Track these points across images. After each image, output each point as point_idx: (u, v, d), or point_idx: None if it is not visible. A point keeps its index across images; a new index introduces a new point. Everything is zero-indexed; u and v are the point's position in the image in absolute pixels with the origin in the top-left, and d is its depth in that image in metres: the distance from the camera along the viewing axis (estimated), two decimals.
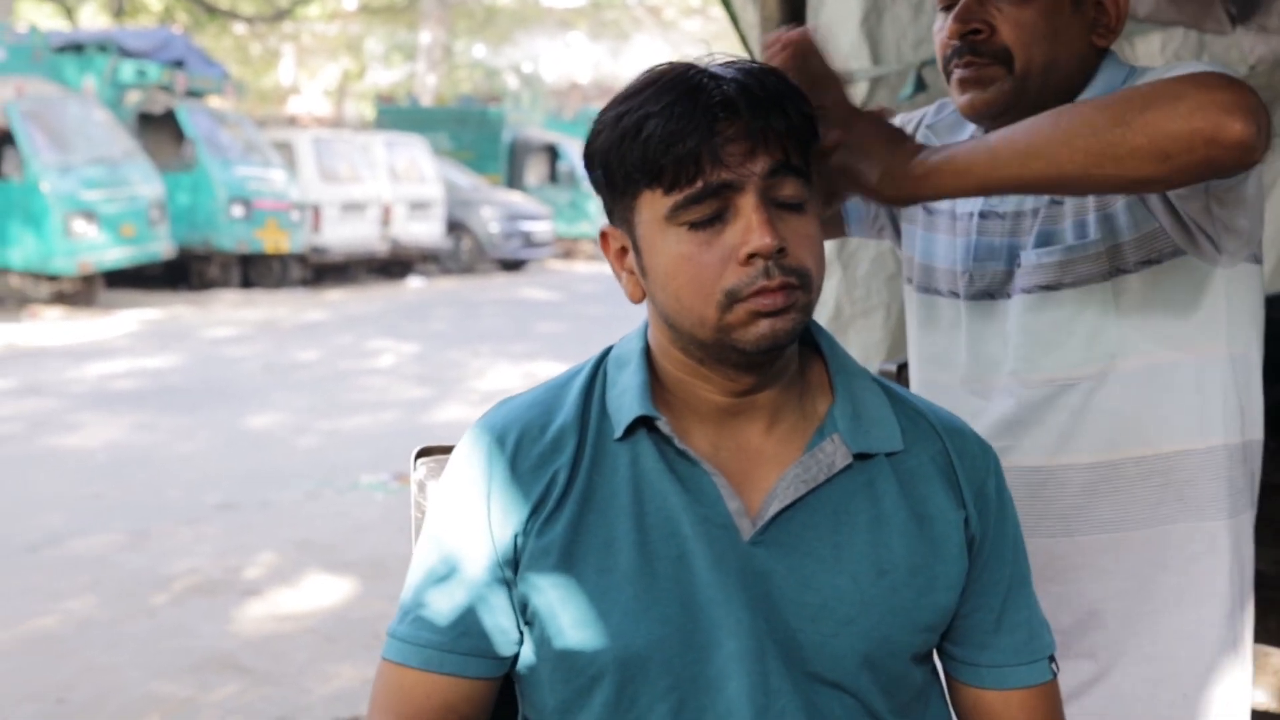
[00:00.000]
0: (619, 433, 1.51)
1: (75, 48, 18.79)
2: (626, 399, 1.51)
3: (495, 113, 25.85)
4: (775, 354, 1.47)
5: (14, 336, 13.37)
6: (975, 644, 1.59)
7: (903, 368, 2.78)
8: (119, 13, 27.15)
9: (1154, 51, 3.70)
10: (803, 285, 1.44)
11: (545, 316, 15.98)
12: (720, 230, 1.42)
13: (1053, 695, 1.62)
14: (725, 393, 1.50)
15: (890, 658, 1.50)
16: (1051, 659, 1.61)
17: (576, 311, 16.42)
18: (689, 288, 1.43)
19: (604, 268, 21.56)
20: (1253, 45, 2.91)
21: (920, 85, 3.70)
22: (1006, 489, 1.62)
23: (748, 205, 1.42)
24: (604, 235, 1.54)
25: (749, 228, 1.41)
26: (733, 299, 1.42)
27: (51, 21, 26.20)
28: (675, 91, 1.42)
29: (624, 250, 1.52)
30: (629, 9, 25.50)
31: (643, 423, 1.50)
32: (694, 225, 1.43)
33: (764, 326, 1.42)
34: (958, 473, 1.57)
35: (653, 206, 1.44)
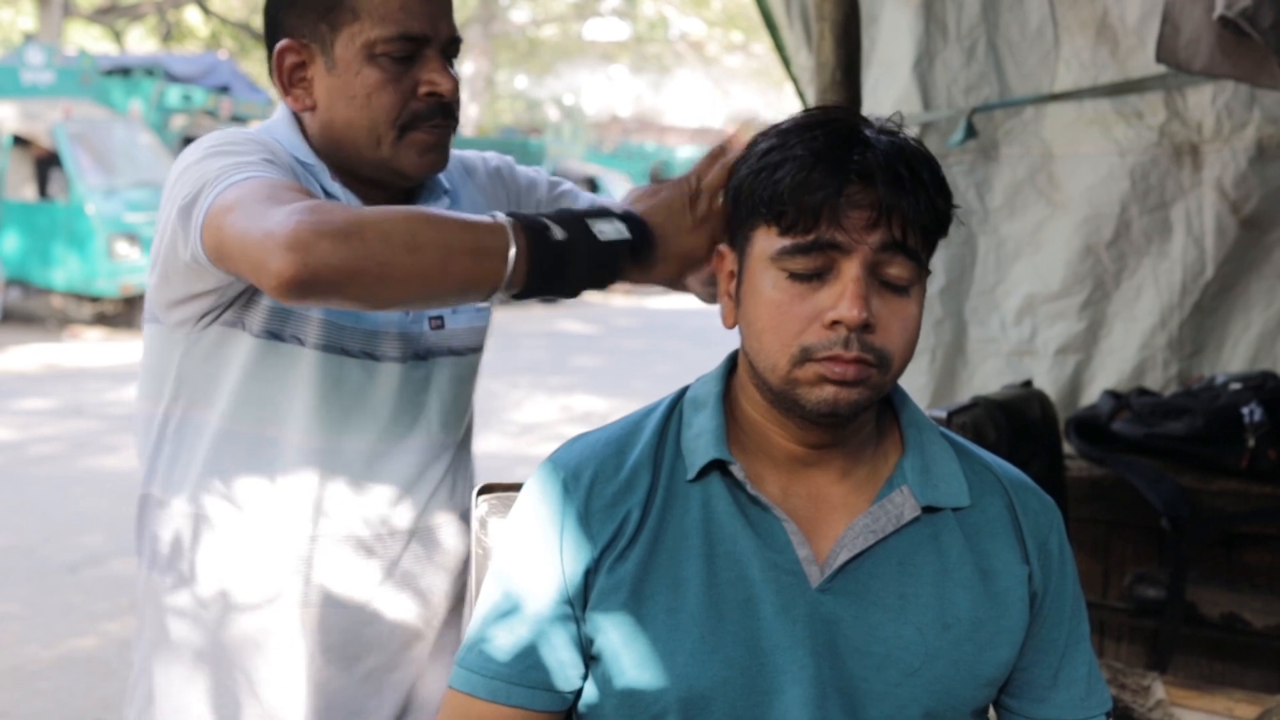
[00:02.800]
0: (692, 474, 1.52)
1: (122, 71, 18.99)
2: (702, 441, 1.53)
3: (536, 144, 25.94)
4: (835, 421, 1.48)
5: (56, 357, 13.47)
6: (1033, 698, 1.59)
7: (953, 414, 2.80)
8: (166, 37, 27.41)
9: (1205, 103, 3.71)
10: (879, 365, 1.44)
11: (582, 350, 15.98)
12: (818, 287, 1.44)
13: None
14: (798, 442, 1.52)
15: (951, 711, 1.51)
16: (1108, 715, 1.61)
17: (614, 345, 16.42)
18: (771, 331, 1.45)
19: (642, 302, 21.59)
20: None
21: (971, 131, 3.72)
22: (1068, 545, 1.62)
23: (849, 272, 1.43)
24: (721, 253, 1.57)
25: (842, 294, 1.42)
26: (806, 356, 1.43)
27: (100, 45, 26.46)
28: (824, 142, 1.45)
29: (731, 275, 1.55)
30: (671, 44, 25.55)
31: (716, 466, 1.52)
32: (794, 275, 1.44)
33: (828, 392, 1.44)
34: (1022, 528, 1.57)
35: (766, 242, 1.47)
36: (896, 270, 1.45)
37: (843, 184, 1.41)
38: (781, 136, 1.48)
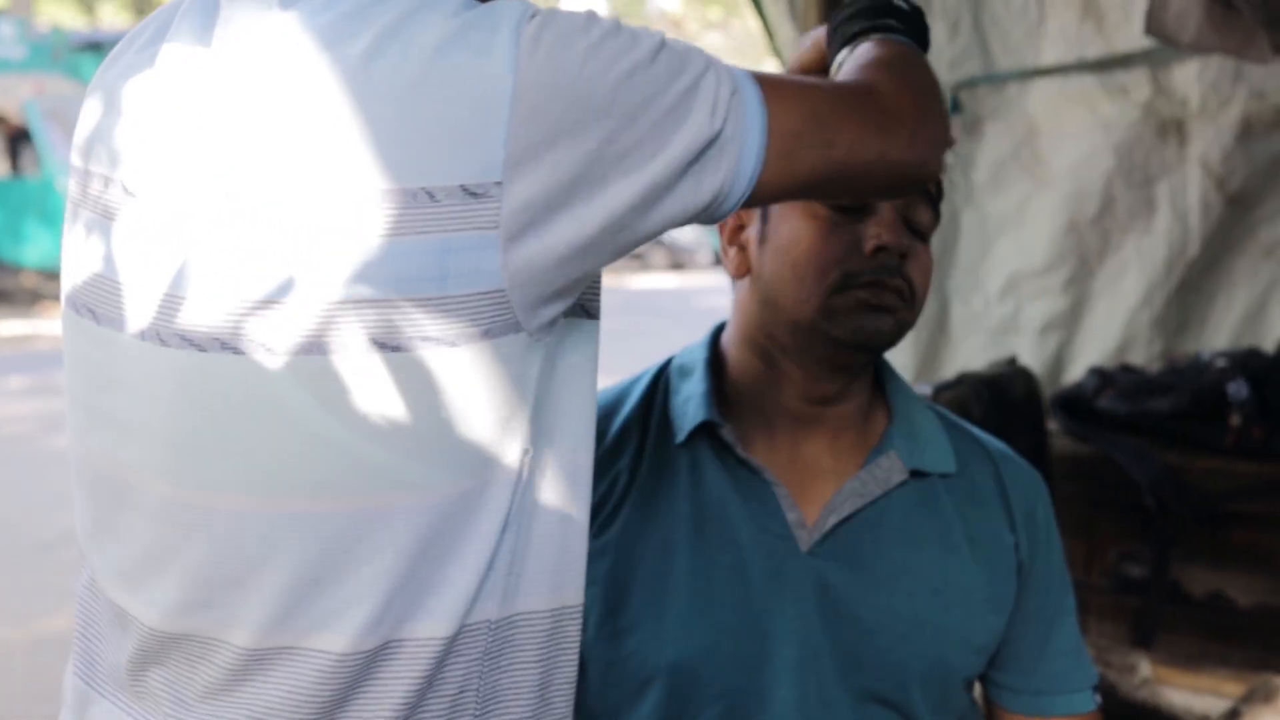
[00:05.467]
0: (682, 437, 1.51)
1: (95, 46, 18.85)
2: (691, 405, 1.52)
3: None
4: (861, 354, 1.49)
5: (28, 334, 13.40)
6: (1021, 669, 1.59)
7: (939, 390, 2.78)
8: (140, 11, 27.24)
9: (1190, 79, 3.69)
10: (908, 300, 1.47)
11: None
12: (857, 221, 1.46)
13: None
14: (803, 395, 1.51)
15: (943, 677, 1.50)
16: (1095, 688, 1.61)
17: None
18: (809, 258, 1.45)
19: (621, 281, 21.60)
20: None
21: (955, 107, 3.69)
22: (1053, 518, 1.61)
23: (888, 208, 1.46)
24: None
25: (885, 224, 1.45)
26: (847, 283, 1.44)
27: (73, 19, 26.30)
28: None
29: (740, 227, 1.53)
30: (648, 20, 25.55)
31: (704, 430, 1.51)
32: (837, 207, 1.46)
33: (866, 319, 1.45)
34: (1009, 497, 1.58)
35: None
36: (920, 215, 1.49)
37: None
38: None
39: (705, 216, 1.16)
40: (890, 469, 1.52)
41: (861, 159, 1.21)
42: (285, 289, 1.03)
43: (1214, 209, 3.76)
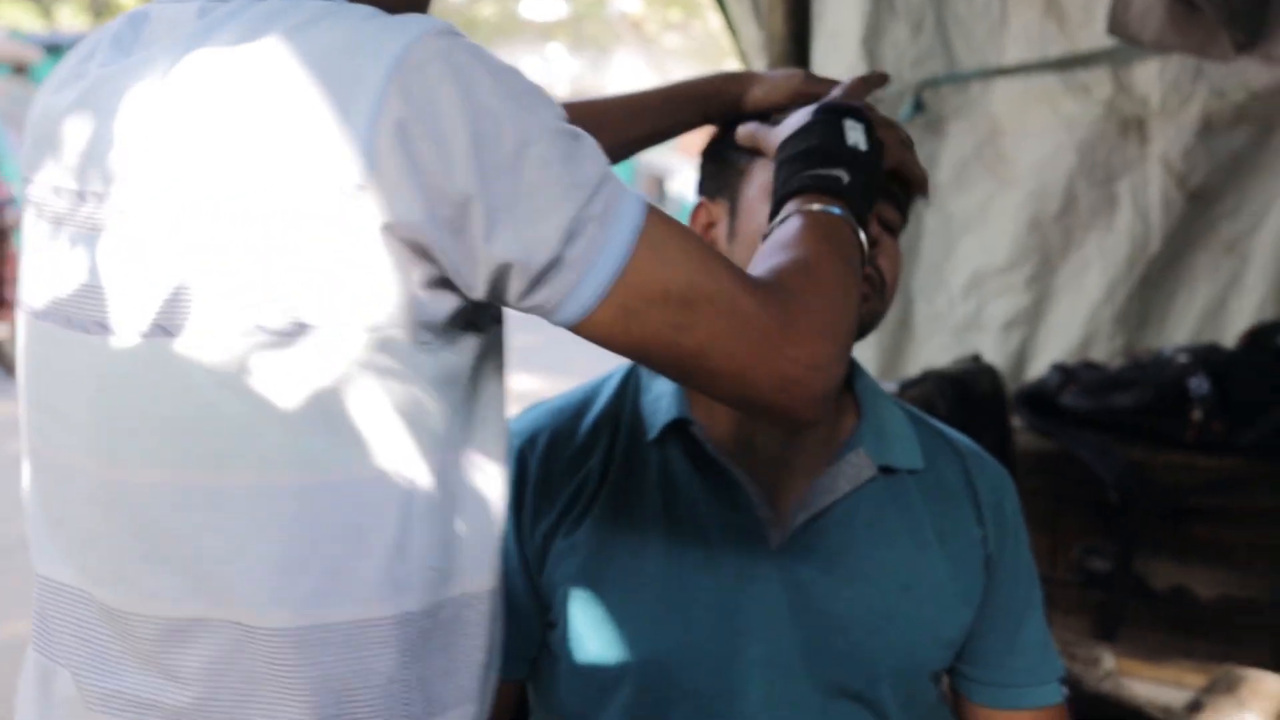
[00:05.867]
0: (653, 434, 1.51)
1: (53, 49, 18.69)
2: (663, 403, 1.52)
3: None
4: None
5: None
6: (990, 663, 1.60)
7: (904, 387, 2.80)
8: (98, 14, 27.06)
9: (1151, 77, 3.72)
10: (878, 291, 1.48)
11: (518, 328, 15.82)
12: None
13: (1063, 717, 1.63)
14: None
15: (912, 672, 1.51)
16: (1063, 681, 1.62)
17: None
18: None
19: None
20: (1256, 73, 2.93)
21: (918, 106, 3.71)
22: (1020, 513, 1.63)
23: None
24: (698, 207, 1.55)
25: None
26: None
27: (31, 23, 26.09)
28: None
29: (711, 225, 1.53)
30: (609, 22, 25.50)
31: (675, 427, 1.51)
32: None
33: None
34: (977, 492, 1.59)
35: (767, 172, 1.45)
36: (887, 213, 1.49)
37: None
38: None
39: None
40: (859, 465, 1.52)
41: (712, 366, 1.13)
42: (186, 278, 1.06)
43: (1175, 206, 3.79)
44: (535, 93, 1.07)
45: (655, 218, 1.10)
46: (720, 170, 1.53)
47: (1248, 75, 3.44)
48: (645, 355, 1.13)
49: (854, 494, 1.51)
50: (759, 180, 1.47)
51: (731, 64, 4.45)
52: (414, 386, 1.11)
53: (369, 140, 1.02)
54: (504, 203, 1.04)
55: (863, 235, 1.29)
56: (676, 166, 24.06)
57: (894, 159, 1.44)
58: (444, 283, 1.09)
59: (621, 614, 1.47)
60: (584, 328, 1.10)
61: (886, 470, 1.54)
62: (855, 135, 1.34)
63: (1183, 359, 3.35)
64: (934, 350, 4.03)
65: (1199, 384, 3.27)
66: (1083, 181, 3.85)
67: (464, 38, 1.07)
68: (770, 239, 1.26)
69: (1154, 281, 3.86)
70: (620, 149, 1.60)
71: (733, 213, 1.50)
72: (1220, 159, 3.72)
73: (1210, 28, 2.73)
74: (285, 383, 1.07)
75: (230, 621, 1.10)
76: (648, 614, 1.46)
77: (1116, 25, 2.83)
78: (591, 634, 1.47)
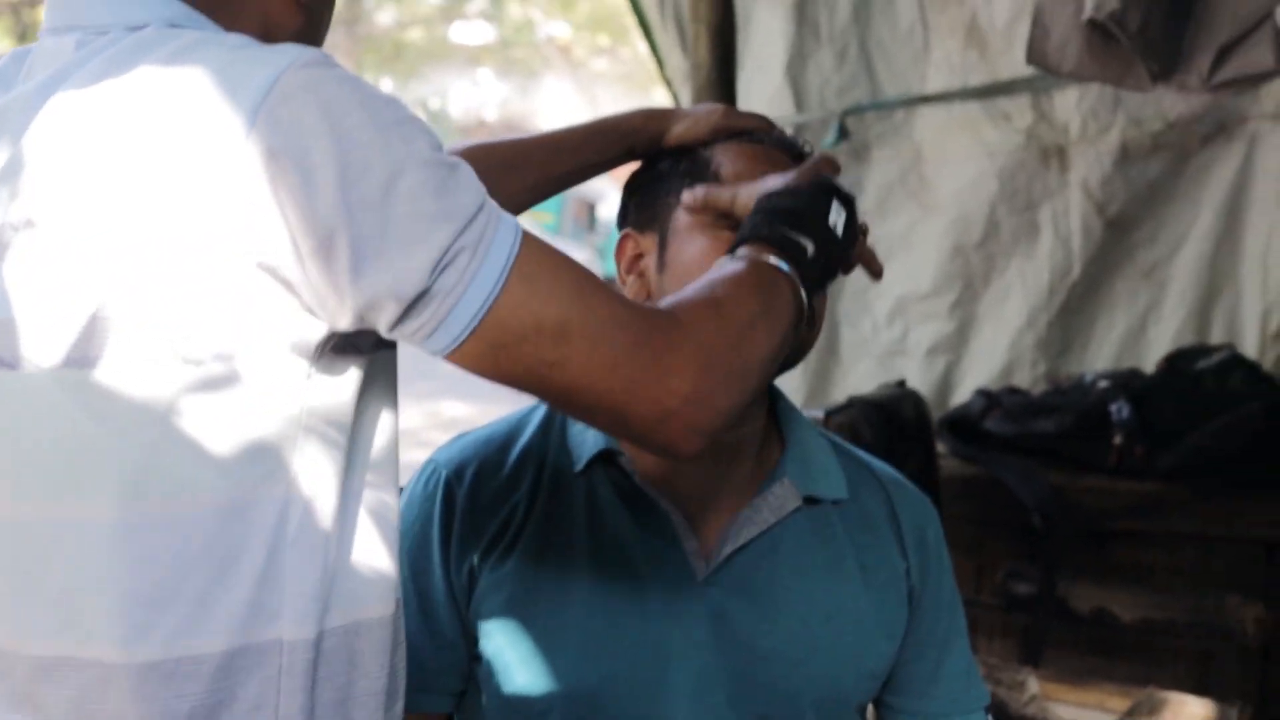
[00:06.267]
0: (580, 466, 1.50)
1: None
2: (590, 433, 1.51)
3: None
4: None
5: None
6: (914, 693, 1.60)
7: (830, 414, 2.81)
8: (23, 37, 26.76)
9: (1070, 106, 3.78)
10: (808, 322, 1.40)
11: None
12: None
13: None
14: None
15: (836, 703, 1.51)
16: (988, 709, 1.63)
17: None
18: None
19: None
20: (1172, 103, 2.98)
21: (843, 133, 3.74)
22: (944, 541, 1.63)
23: None
24: (625, 238, 1.54)
25: None
26: None
27: None
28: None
29: (639, 257, 1.52)
30: (538, 47, 25.51)
31: (602, 458, 1.50)
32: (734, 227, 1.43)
33: None
34: (900, 523, 1.59)
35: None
36: None
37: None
38: None
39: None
40: (784, 496, 1.52)
41: (588, 400, 1.11)
42: (60, 305, 1.04)
43: (1094, 232, 3.84)
44: (409, 123, 1.05)
45: (531, 249, 1.08)
46: (650, 202, 1.53)
47: (1164, 105, 3.50)
48: (520, 386, 1.11)
49: (779, 525, 1.51)
50: (691, 217, 1.47)
51: (659, 91, 4.47)
52: (286, 414, 1.08)
53: (237, 171, 1.01)
54: (371, 236, 1.02)
55: (805, 299, 1.27)
56: (606, 192, 24.06)
57: (860, 253, 1.43)
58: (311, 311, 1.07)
59: (549, 645, 1.46)
60: (454, 358, 1.08)
61: (811, 501, 1.54)
62: (837, 217, 1.34)
63: (1103, 384, 3.40)
64: (860, 376, 4.06)
65: (1119, 409, 3.32)
66: (1004, 208, 3.90)
67: (337, 68, 1.05)
68: (709, 273, 1.25)
69: (1075, 308, 3.91)
70: (544, 186, 1.60)
71: (662, 244, 1.49)
72: (1137, 187, 3.78)
73: (1127, 58, 2.76)
74: (141, 411, 1.04)
75: (94, 661, 1.07)
76: (575, 645, 1.45)
77: (1036, 55, 2.86)
78: (519, 666, 1.46)
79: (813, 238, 1.29)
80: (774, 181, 1.39)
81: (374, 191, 1.02)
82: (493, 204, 1.09)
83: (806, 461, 1.56)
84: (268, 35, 1.13)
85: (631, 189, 1.57)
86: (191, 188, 1.01)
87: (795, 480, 1.53)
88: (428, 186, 1.04)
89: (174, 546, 1.06)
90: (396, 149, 1.03)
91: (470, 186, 1.07)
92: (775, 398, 1.60)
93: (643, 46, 4.00)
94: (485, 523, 1.49)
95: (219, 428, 1.06)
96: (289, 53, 1.05)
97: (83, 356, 1.04)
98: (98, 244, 1.03)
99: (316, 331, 1.08)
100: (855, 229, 1.37)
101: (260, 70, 1.03)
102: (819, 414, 2.79)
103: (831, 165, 1.44)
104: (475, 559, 1.48)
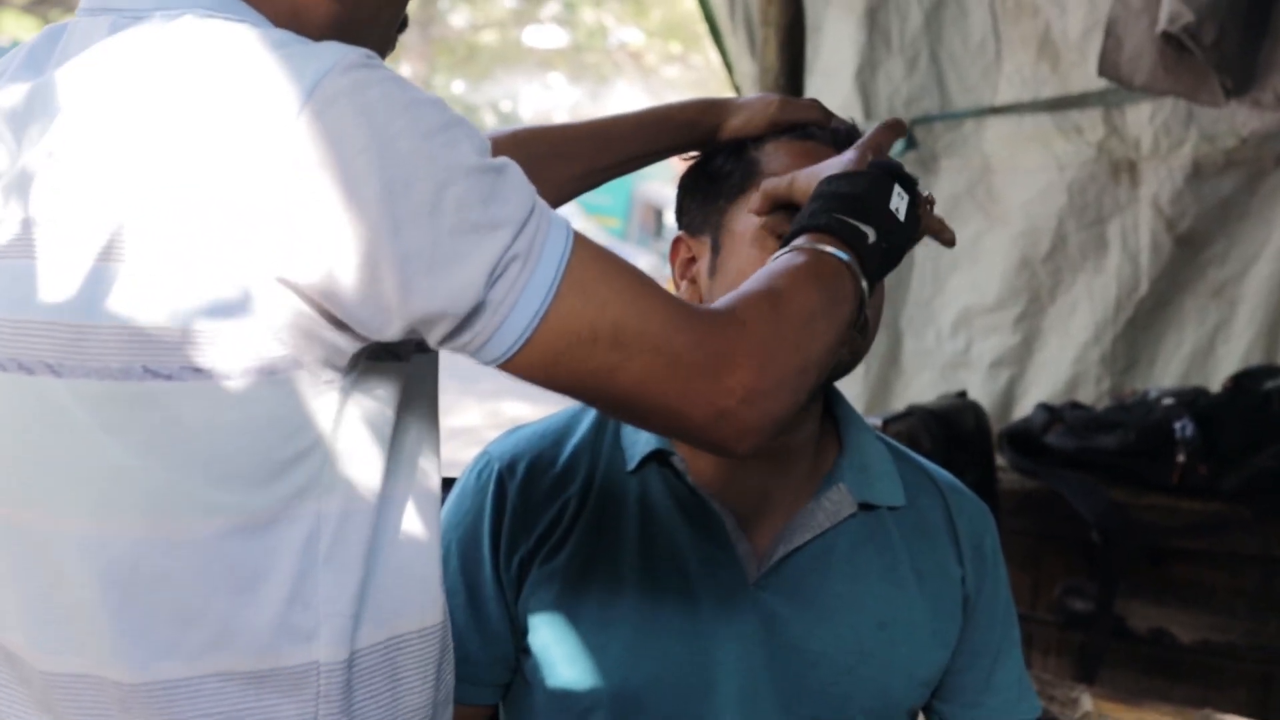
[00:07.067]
0: (632, 465, 1.50)
1: None
2: (643, 432, 1.50)
3: None
4: None
5: None
6: (965, 702, 1.59)
7: (889, 422, 2.80)
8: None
9: (1143, 120, 3.74)
10: (860, 329, 1.39)
11: None
12: None
13: None
14: None
15: (887, 710, 1.50)
16: None
17: None
18: None
19: None
20: (1246, 119, 2.95)
21: (911, 143, 3.73)
22: (1000, 550, 1.62)
23: None
24: (677, 242, 1.53)
25: None
26: None
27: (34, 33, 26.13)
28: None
29: (692, 260, 1.51)
30: (610, 53, 25.55)
31: (655, 458, 1.50)
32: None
33: None
34: (957, 530, 1.57)
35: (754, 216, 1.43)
36: None
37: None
38: None
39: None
40: (839, 502, 1.51)
41: (644, 405, 1.08)
42: (74, 313, 1.00)
43: (1164, 249, 3.80)
44: (454, 126, 1.01)
45: (584, 253, 1.05)
46: (701, 206, 1.51)
47: (1238, 121, 3.46)
48: (574, 393, 1.09)
49: (833, 530, 1.50)
50: (745, 221, 1.45)
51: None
52: (318, 428, 1.04)
53: (271, 181, 0.96)
54: (420, 253, 0.98)
55: (865, 288, 1.25)
56: (674, 198, 24.02)
57: (928, 224, 1.39)
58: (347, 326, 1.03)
59: (596, 643, 1.46)
60: (509, 368, 1.05)
61: (866, 506, 1.52)
62: (899, 202, 1.30)
63: (1168, 402, 3.36)
64: (921, 386, 4.04)
65: (1184, 427, 3.28)
66: (1073, 222, 3.86)
67: (380, 69, 1.00)
68: (767, 266, 1.23)
69: (1141, 324, 3.87)
70: (590, 176, 1.58)
71: (715, 249, 1.48)
72: (1209, 204, 3.74)
73: (1201, 72, 2.74)
74: (162, 427, 1.00)
75: (110, 681, 1.04)
76: (622, 643, 1.45)
77: (1108, 68, 2.85)
78: (566, 662, 1.46)
79: (873, 224, 1.26)
80: (833, 165, 1.35)
81: (421, 206, 0.98)
82: (543, 205, 1.05)
83: (864, 466, 1.54)
84: (298, 23, 1.09)
85: (685, 188, 1.56)
86: (223, 197, 0.97)
87: (851, 486, 1.52)
88: (476, 194, 1.00)
89: (196, 565, 1.02)
90: (442, 157, 0.99)
91: (519, 189, 1.04)
92: (835, 401, 1.59)
93: (714, 54, 4.01)
94: (537, 517, 1.49)
95: (243, 445, 1.02)
96: (331, 54, 1.00)
97: (103, 368, 0.99)
98: (125, 250, 0.98)
99: (351, 344, 1.03)
100: (918, 213, 1.33)
101: (301, 74, 0.98)
102: (877, 421, 2.79)
103: (895, 131, 1.41)
104: (526, 554, 1.48)
